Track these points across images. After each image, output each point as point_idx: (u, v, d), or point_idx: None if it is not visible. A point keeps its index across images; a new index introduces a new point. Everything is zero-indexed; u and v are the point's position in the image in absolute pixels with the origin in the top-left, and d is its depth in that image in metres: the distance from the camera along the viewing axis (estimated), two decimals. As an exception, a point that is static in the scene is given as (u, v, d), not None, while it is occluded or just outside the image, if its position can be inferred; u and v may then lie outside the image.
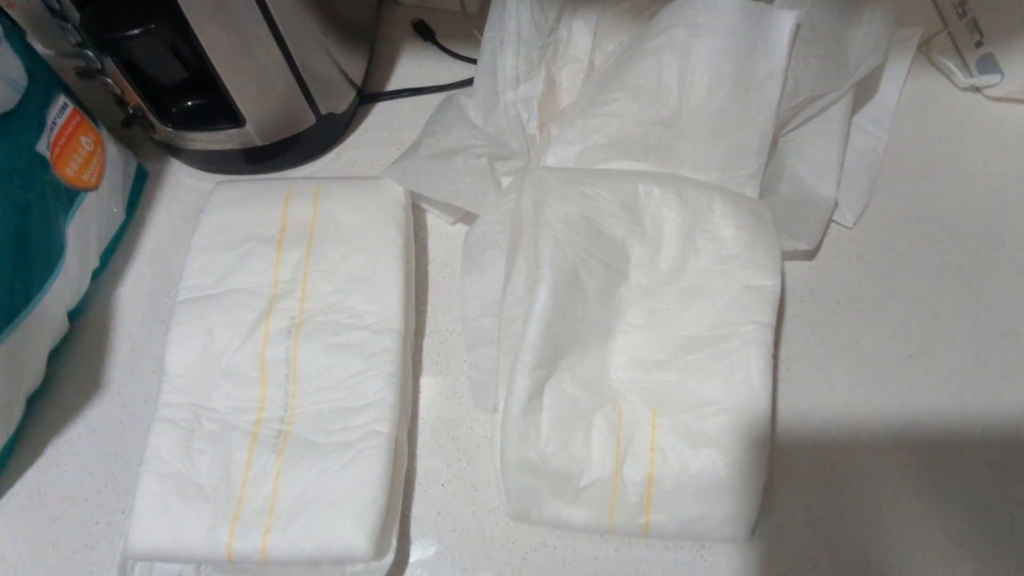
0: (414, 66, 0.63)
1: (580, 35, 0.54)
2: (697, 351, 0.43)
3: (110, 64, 0.45)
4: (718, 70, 0.47)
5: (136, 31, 0.41)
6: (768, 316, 0.43)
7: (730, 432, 0.41)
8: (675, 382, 0.43)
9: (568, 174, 0.46)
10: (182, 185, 0.57)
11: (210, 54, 0.44)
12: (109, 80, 0.47)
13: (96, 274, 0.52)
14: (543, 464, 0.41)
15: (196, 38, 0.43)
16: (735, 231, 0.45)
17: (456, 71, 0.61)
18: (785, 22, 0.46)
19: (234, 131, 0.51)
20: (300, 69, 0.49)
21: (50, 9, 0.42)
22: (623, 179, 0.46)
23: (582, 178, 0.46)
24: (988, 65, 0.58)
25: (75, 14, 0.41)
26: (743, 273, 0.44)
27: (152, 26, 0.41)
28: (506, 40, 0.52)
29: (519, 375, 0.41)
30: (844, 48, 0.50)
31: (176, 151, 0.56)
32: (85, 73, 0.48)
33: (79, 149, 0.48)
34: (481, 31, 0.55)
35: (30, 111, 0.44)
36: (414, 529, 0.45)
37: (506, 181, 0.50)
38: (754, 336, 0.42)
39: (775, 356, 0.44)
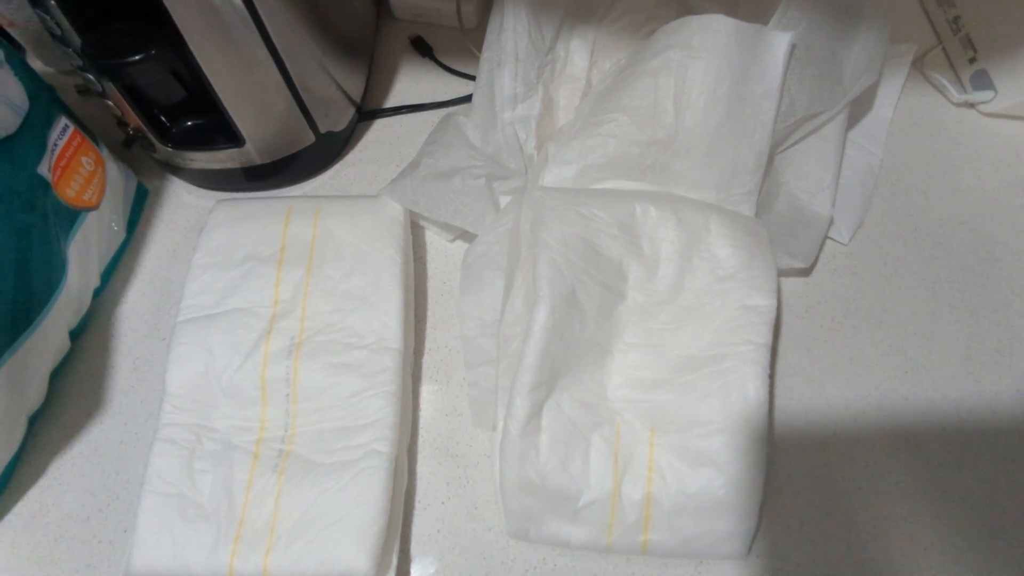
0: (412, 82, 0.63)
1: (577, 54, 0.54)
2: (694, 371, 0.43)
3: (111, 87, 0.46)
4: (714, 90, 0.47)
5: (137, 57, 0.41)
6: (764, 336, 0.43)
7: (727, 452, 0.41)
8: (672, 402, 0.43)
9: (566, 195, 0.47)
10: (183, 202, 0.58)
11: (210, 77, 0.44)
12: (110, 102, 0.47)
13: (97, 293, 0.52)
14: (542, 484, 0.41)
15: (196, 62, 0.43)
16: (731, 251, 0.46)
17: (454, 87, 0.62)
18: (780, 43, 0.47)
19: (234, 150, 0.51)
20: (299, 89, 0.49)
21: (51, 34, 0.42)
22: (620, 199, 0.47)
23: (579, 199, 0.46)
24: (982, 81, 0.58)
25: (76, 40, 0.42)
26: (739, 293, 0.44)
27: (153, 52, 0.41)
28: (504, 60, 0.52)
29: (518, 396, 0.41)
30: (839, 67, 0.51)
31: (176, 169, 0.56)
32: (85, 90, 0.49)
33: (80, 169, 0.49)
34: (479, 47, 0.55)
35: (31, 134, 0.44)
36: (414, 547, 0.45)
37: (504, 201, 0.51)
38: (750, 356, 0.42)
39: (771, 374, 0.44)
